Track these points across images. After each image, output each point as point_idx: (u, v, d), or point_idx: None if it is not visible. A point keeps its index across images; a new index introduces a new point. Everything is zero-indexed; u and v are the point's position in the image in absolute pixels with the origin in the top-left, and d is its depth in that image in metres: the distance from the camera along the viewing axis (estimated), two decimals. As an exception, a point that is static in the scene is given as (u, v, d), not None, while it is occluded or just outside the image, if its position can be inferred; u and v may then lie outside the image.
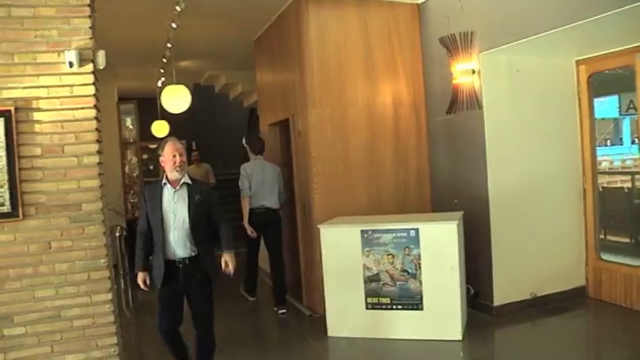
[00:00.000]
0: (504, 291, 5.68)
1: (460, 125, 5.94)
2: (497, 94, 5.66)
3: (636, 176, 8.20)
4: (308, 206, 6.20)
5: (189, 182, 4.22)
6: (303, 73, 6.10)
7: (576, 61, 6.08)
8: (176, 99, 7.89)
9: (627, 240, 7.20)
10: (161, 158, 4.22)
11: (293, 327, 6.04)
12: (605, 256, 6.07)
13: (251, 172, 6.50)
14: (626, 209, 7.52)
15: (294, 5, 6.19)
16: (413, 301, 5.13)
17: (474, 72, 5.63)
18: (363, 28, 6.21)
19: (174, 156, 4.15)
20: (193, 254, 4.16)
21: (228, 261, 4.19)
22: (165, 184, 4.18)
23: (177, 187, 4.17)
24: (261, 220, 6.49)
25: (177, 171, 4.13)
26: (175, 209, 4.14)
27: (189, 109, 8.25)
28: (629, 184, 8.27)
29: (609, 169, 10.40)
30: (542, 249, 5.88)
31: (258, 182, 6.49)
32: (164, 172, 4.25)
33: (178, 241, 4.13)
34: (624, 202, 7.66)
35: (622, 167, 10.99)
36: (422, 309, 5.12)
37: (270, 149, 7.77)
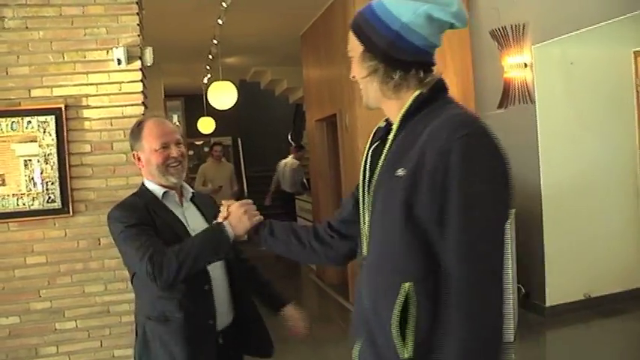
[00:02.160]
0: (557, 291, 5.50)
1: (512, 120, 5.77)
2: (550, 88, 5.47)
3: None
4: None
5: (192, 190, 2.42)
6: (349, 67, 6.01)
7: (634, 52, 5.84)
8: (222, 95, 7.96)
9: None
10: (134, 152, 2.30)
11: (338, 323, 5.98)
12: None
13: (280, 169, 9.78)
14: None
15: (342, 0, 6.12)
16: (462, 301, 5.00)
17: (526, 65, 5.46)
18: (410, 22, 6.09)
19: (164, 146, 2.22)
20: (234, 319, 2.34)
21: (296, 318, 2.49)
22: (165, 193, 2.28)
23: (184, 202, 2.36)
24: (285, 198, 9.66)
25: (171, 174, 2.24)
26: None
27: (235, 105, 8.30)
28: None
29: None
30: (598, 248, 5.67)
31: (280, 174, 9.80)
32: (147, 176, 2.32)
33: (219, 296, 2.25)
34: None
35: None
36: (472, 309, 4.98)
37: (317, 145, 7.77)
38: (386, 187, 1.47)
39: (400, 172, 1.41)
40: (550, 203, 5.45)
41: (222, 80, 7.99)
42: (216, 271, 2.25)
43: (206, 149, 14.12)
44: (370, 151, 1.62)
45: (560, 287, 5.50)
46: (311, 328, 2.55)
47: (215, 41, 7.29)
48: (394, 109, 1.53)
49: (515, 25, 5.43)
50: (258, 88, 12.31)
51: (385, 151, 1.52)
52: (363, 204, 1.58)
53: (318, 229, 1.87)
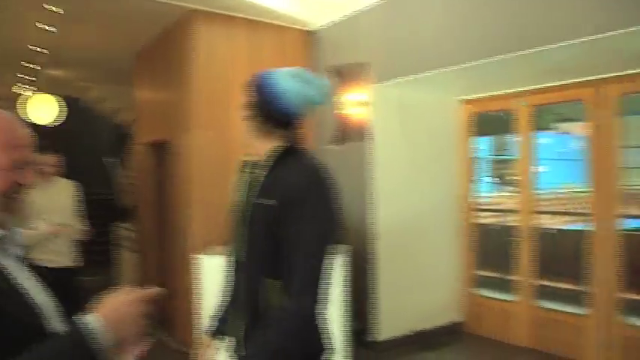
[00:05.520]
0: (388, 326, 5.61)
1: (347, 156, 5.84)
2: (386, 128, 5.64)
3: (506, 213, 8.59)
4: (183, 233, 5.80)
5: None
6: (188, 92, 5.74)
7: (461, 100, 6.23)
8: (42, 109, 7.21)
9: (497, 275, 7.46)
10: None
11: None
12: (481, 292, 6.20)
13: None
14: (495, 245, 7.79)
15: (183, 20, 5.82)
16: (297, 338, 4.88)
17: (364, 104, 5.57)
18: (252, 50, 5.97)
19: (16, 166, 1.37)
20: None
21: None
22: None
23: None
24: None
25: (12, 211, 1.40)
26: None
27: (53, 121, 7.58)
28: (497, 221, 8.63)
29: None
30: (425, 284, 5.91)
31: None
32: None
33: None
34: (494, 238, 7.94)
35: (480, 205, 11.52)
36: (306, 346, 4.88)
37: (144, 170, 7.34)
38: (257, 211, 2.00)
39: (270, 202, 1.95)
40: (382, 240, 5.58)
41: (41, 92, 7.26)
42: None
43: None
44: (245, 181, 2.14)
45: (390, 322, 5.63)
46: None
47: (38, 49, 6.60)
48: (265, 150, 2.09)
49: (357, 64, 5.54)
50: (80, 105, 11.43)
51: (258, 184, 2.05)
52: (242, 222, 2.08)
53: None
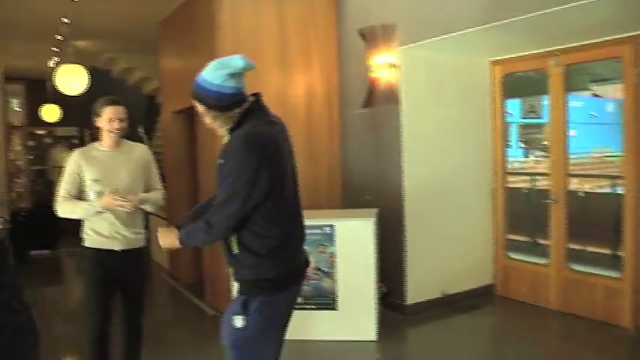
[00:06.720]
0: (416, 289, 5.61)
1: (376, 120, 5.81)
2: (415, 90, 5.57)
3: (536, 177, 8.49)
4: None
5: None
6: (213, 58, 5.72)
7: (491, 61, 6.11)
8: (72, 79, 7.26)
9: (527, 239, 7.41)
10: None
11: (195, 327, 5.68)
12: (512, 255, 6.16)
13: None
14: (526, 209, 7.73)
15: (205, -12, 5.81)
16: (327, 301, 4.93)
17: (392, 66, 5.50)
18: (278, 15, 5.94)
19: None
20: None
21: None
22: None
23: None
24: None
25: None
26: None
27: (84, 93, 7.64)
28: (527, 185, 8.54)
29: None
30: (454, 247, 5.88)
31: None
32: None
33: None
34: (524, 202, 7.87)
35: (511, 169, 11.41)
36: (336, 309, 4.93)
37: (172, 138, 7.41)
38: (217, 170, 2.51)
39: (221, 161, 2.49)
40: (411, 203, 5.55)
41: (72, 64, 7.32)
42: None
43: (48, 140, 12.85)
44: None
45: (419, 285, 5.63)
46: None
47: (66, 20, 6.63)
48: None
49: (384, 26, 5.45)
50: (110, 77, 11.53)
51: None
52: None
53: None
